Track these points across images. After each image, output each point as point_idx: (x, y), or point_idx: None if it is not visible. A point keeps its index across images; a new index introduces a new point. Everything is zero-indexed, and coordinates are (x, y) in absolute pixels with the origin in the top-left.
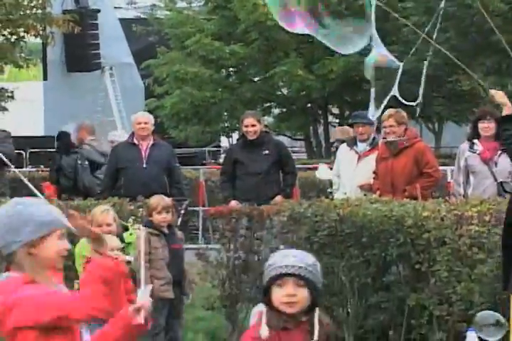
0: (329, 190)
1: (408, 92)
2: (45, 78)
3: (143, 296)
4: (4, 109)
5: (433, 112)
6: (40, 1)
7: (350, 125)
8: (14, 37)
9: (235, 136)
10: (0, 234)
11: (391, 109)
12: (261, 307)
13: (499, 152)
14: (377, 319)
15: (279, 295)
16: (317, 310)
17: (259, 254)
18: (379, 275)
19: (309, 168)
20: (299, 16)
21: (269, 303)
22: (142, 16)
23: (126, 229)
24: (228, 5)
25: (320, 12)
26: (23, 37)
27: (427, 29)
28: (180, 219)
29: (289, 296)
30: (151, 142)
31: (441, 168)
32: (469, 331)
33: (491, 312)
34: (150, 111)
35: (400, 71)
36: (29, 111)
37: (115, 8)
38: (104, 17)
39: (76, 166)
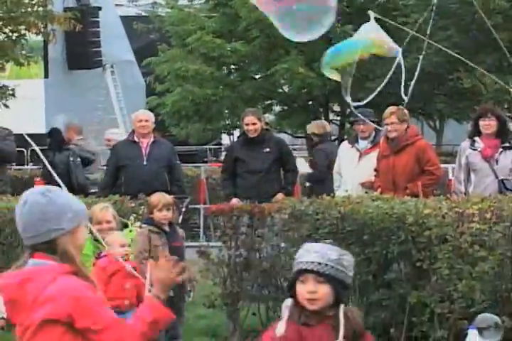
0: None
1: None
2: (46, 76)
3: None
4: (5, 106)
5: (434, 110)
6: None
7: (352, 123)
8: (15, 34)
9: (236, 133)
10: (36, 221)
11: (393, 107)
12: (289, 302)
13: (500, 149)
14: (378, 316)
15: (302, 291)
16: (342, 305)
17: (261, 252)
18: (380, 273)
19: None
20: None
21: (295, 297)
22: (143, 14)
23: (125, 225)
24: (229, 2)
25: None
26: (24, 34)
27: (418, 23)
28: (181, 217)
29: (309, 293)
30: (152, 140)
31: (442, 165)
32: (470, 328)
33: (489, 314)
34: (151, 109)
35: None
36: (30, 109)
37: (116, 5)
38: (105, 15)
39: (68, 163)
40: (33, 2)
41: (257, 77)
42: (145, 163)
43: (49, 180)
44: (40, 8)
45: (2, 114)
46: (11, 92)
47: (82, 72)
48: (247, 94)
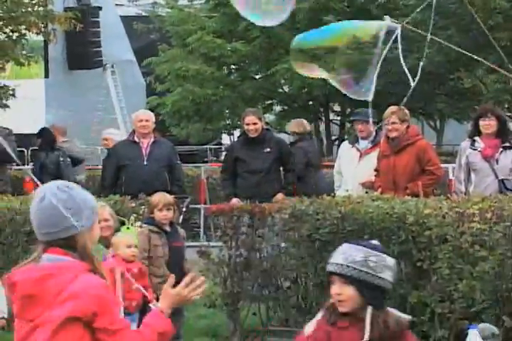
0: None
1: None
2: (46, 76)
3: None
4: (5, 106)
5: (435, 110)
6: None
7: (352, 122)
8: (16, 34)
9: (237, 133)
10: (55, 217)
11: (393, 106)
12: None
13: (500, 149)
14: None
15: (331, 292)
16: (369, 307)
17: (261, 252)
18: None
19: None
20: None
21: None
22: (143, 14)
23: (123, 223)
24: (229, 2)
25: None
26: (25, 34)
27: (410, 17)
28: (181, 217)
29: (335, 295)
30: (152, 140)
31: (442, 165)
32: (471, 328)
33: (488, 324)
34: (151, 109)
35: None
36: (31, 109)
37: (116, 5)
38: (105, 15)
39: (59, 163)
40: (34, 2)
41: (257, 77)
42: (145, 163)
43: (40, 182)
44: (41, 8)
45: (2, 114)
46: (11, 92)
47: (82, 72)
48: (247, 94)
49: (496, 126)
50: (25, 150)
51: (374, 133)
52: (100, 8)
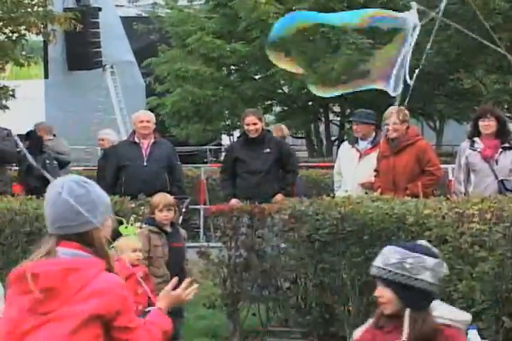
0: None
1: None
2: (46, 76)
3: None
4: (5, 107)
5: (434, 110)
6: None
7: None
8: (15, 35)
9: (236, 134)
10: (71, 212)
11: (393, 107)
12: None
13: (500, 150)
14: None
15: (375, 294)
16: (407, 309)
17: (261, 252)
18: None
19: (310, 166)
20: None
21: None
22: (143, 14)
23: (120, 223)
24: (229, 3)
25: None
26: (25, 35)
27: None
28: (181, 218)
29: (378, 297)
30: (152, 140)
31: (442, 166)
32: (470, 329)
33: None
34: (151, 110)
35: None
36: (30, 110)
37: (116, 6)
38: (105, 15)
39: (45, 166)
40: (33, 2)
41: (256, 77)
42: (145, 163)
43: (25, 184)
44: (40, 9)
45: (2, 115)
46: (11, 93)
47: (82, 72)
48: (247, 94)
49: (495, 127)
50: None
51: (373, 134)
52: (100, 8)
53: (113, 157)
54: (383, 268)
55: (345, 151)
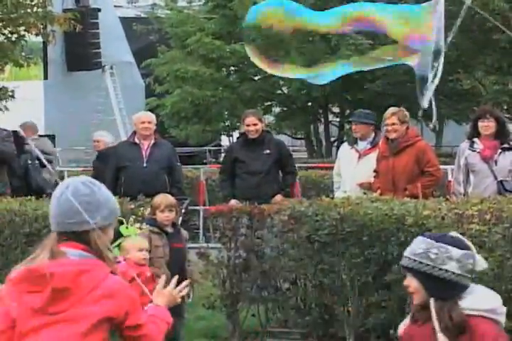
0: None
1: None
2: (45, 77)
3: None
4: (5, 108)
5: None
6: (41, 0)
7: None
8: (15, 36)
9: (236, 134)
10: (70, 209)
11: (393, 108)
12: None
13: (499, 151)
14: (377, 318)
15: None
16: (431, 299)
17: (260, 253)
18: (380, 274)
19: (310, 167)
20: None
21: None
22: (143, 15)
23: (121, 223)
24: (228, 4)
25: None
26: (24, 36)
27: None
28: (180, 218)
29: (406, 287)
30: (153, 141)
31: (441, 166)
32: None
33: None
34: (151, 110)
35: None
36: (30, 110)
37: (116, 7)
38: (104, 16)
39: (27, 166)
40: (33, 3)
41: (256, 78)
42: (145, 164)
43: (14, 188)
44: (40, 9)
45: (1, 115)
46: (10, 94)
47: (81, 73)
48: (246, 95)
49: (494, 128)
50: None
51: (373, 134)
52: (99, 9)
53: (113, 157)
54: (410, 258)
55: (345, 152)
